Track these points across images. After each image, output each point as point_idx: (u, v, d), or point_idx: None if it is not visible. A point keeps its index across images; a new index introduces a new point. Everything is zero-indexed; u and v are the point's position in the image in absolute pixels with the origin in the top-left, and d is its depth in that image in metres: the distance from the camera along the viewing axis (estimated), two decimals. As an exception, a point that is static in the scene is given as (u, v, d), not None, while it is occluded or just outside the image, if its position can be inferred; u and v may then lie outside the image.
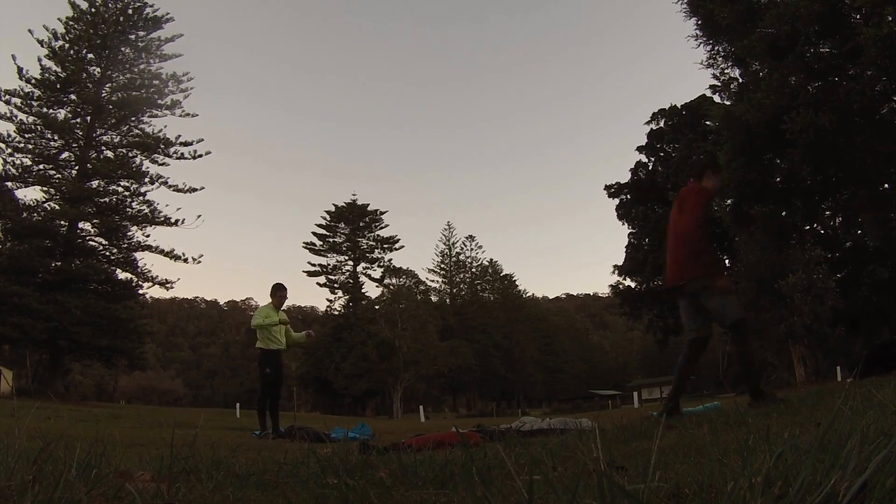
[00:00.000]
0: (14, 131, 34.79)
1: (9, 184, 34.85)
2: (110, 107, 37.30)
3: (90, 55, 37.21)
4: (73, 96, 36.55)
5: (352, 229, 66.24)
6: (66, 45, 36.34)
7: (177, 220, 37.35)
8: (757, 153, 23.69)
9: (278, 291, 9.16)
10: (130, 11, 37.57)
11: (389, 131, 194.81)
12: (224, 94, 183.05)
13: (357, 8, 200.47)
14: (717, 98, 31.70)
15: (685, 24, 27.94)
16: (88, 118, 37.09)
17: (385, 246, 66.70)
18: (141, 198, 37.55)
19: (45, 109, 35.73)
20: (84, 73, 36.82)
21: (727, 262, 45.01)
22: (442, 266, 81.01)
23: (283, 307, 9.24)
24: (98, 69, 37.63)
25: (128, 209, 37.42)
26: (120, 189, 37.59)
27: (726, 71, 26.92)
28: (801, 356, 25.07)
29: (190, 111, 39.10)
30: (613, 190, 50.00)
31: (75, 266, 35.07)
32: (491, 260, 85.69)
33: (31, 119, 35.19)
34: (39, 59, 35.65)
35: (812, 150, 21.38)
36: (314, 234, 66.07)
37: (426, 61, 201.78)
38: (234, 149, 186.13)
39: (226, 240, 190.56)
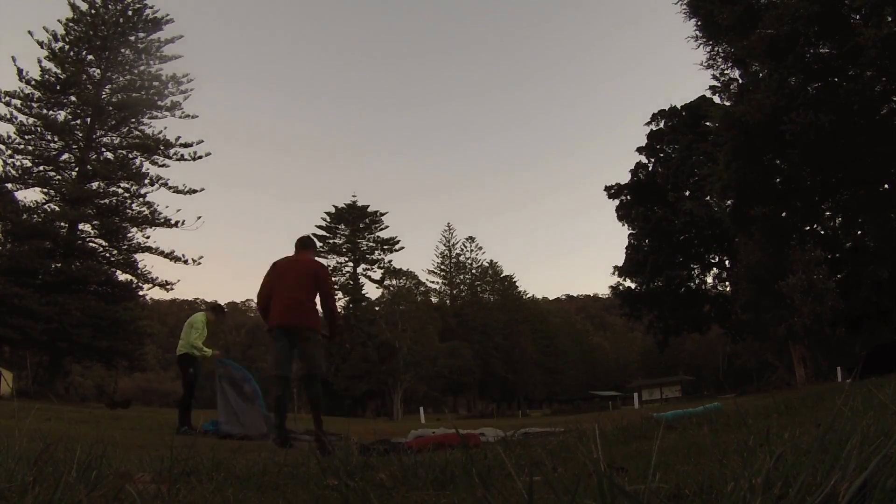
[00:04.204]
0: (14, 133, 34.74)
1: (9, 185, 34.83)
2: (110, 108, 37.28)
3: (90, 57, 37.19)
4: (72, 98, 36.50)
5: (352, 230, 66.20)
6: (66, 47, 36.30)
7: (177, 222, 37.32)
8: (757, 154, 23.68)
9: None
10: (130, 13, 37.56)
11: (390, 132, 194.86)
12: (224, 94, 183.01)
13: (357, 9, 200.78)
14: (716, 99, 31.75)
15: (685, 25, 27.95)
16: (88, 120, 37.06)
17: (385, 247, 66.65)
18: (141, 199, 37.52)
19: (44, 111, 35.68)
20: (84, 74, 36.81)
21: (727, 262, 45.12)
22: (442, 267, 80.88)
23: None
24: (98, 71, 37.63)
25: (128, 210, 37.38)
26: (120, 190, 37.55)
27: (726, 72, 26.96)
28: (801, 357, 25.07)
29: (190, 112, 39.19)
30: (613, 191, 49.97)
31: (75, 267, 35.01)
32: (491, 261, 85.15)
33: (31, 120, 35.14)
34: (39, 61, 35.62)
35: (812, 150, 21.38)
36: (314, 235, 65.76)
37: (427, 63, 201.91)
38: (234, 150, 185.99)
39: (226, 241, 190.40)
